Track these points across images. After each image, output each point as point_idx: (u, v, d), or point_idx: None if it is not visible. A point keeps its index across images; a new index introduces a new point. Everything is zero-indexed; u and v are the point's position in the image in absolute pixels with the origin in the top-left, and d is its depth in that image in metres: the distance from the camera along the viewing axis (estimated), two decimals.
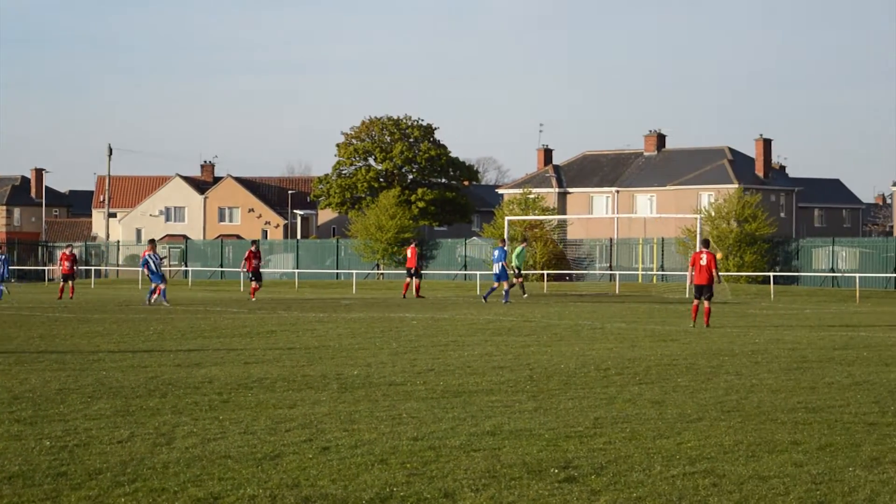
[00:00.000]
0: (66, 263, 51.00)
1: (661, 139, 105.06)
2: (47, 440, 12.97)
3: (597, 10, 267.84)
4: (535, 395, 17.07)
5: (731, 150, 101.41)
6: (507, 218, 65.71)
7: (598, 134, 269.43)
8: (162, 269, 45.22)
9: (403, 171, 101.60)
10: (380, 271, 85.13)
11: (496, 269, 47.73)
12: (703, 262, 32.24)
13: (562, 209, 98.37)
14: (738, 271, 70.62)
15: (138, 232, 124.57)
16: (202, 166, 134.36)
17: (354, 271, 74.78)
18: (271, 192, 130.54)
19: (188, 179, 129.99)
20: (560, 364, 21.39)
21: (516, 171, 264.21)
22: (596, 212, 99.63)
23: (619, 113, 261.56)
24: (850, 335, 29.10)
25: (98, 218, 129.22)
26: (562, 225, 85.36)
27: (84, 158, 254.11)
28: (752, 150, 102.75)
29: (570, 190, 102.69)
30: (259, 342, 26.25)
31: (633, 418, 14.76)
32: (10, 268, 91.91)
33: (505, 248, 48.88)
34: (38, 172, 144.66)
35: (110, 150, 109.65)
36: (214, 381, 18.42)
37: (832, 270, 72.42)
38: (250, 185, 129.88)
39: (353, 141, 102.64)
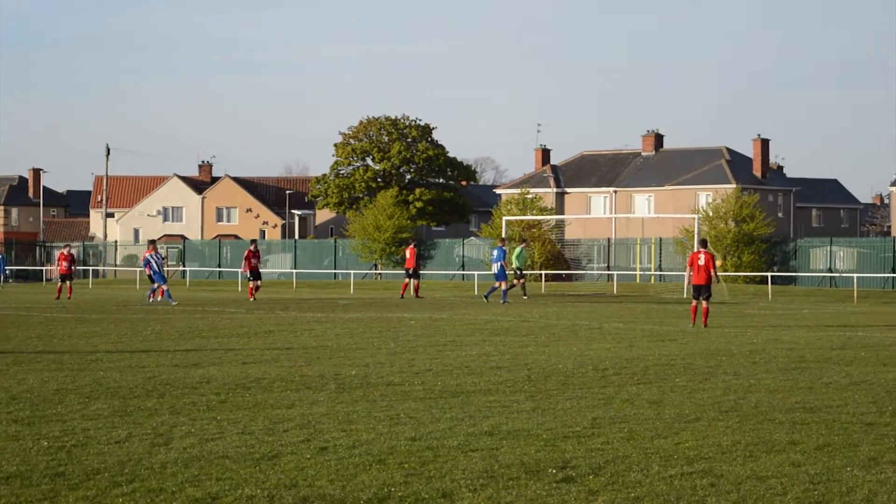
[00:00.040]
0: (64, 263, 50.98)
1: (658, 139, 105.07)
2: (45, 440, 12.97)
3: (594, 11, 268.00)
4: (533, 395, 17.08)
5: (728, 150, 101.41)
6: (504, 218, 65.72)
7: (595, 134, 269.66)
8: (164, 269, 45.24)
9: (401, 171, 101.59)
10: (378, 271, 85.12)
11: (495, 268, 47.79)
12: (702, 262, 32.25)
13: (560, 209, 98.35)
14: (735, 271, 70.62)
15: (136, 232, 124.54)
16: (200, 166, 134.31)
17: (352, 271, 74.76)
18: (269, 192, 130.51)
19: (186, 179, 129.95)
20: (558, 364, 21.39)
21: (514, 171, 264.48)
22: (594, 212, 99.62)
23: (617, 113, 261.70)
24: (847, 335, 29.11)
25: (96, 218, 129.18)
26: (560, 225, 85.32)
27: (82, 158, 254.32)
28: (749, 150, 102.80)
29: (567, 190, 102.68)
30: (257, 342, 26.25)
31: (631, 418, 14.77)
32: (9, 268, 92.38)
33: (504, 247, 48.93)
34: (36, 172, 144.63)
35: (108, 150, 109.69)
36: (212, 381, 18.41)
37: (830, 270, 72.43)
38: (248, 185, 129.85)
39: (351, 141, 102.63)
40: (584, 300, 50.49)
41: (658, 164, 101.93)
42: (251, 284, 48.68)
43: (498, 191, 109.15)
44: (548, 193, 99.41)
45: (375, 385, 18.11)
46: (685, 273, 46.03)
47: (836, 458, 12.21)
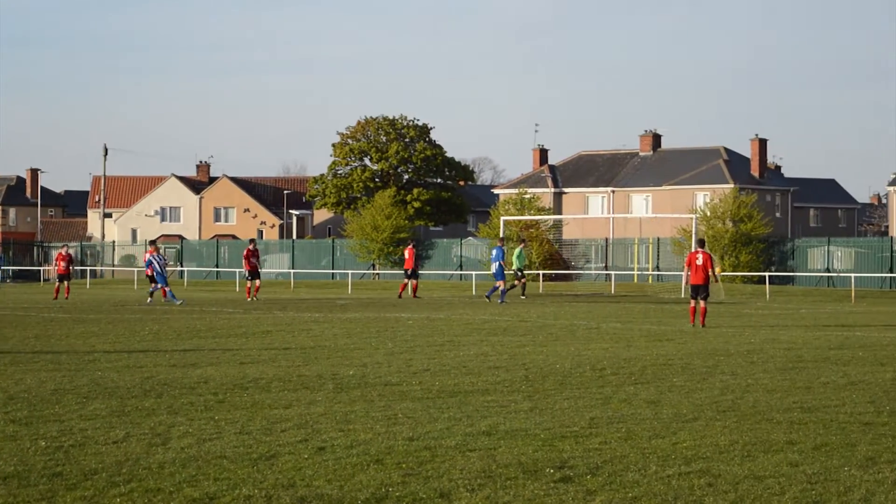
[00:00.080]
0: (62, 264, 50.96)
1: (656, 139, 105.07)
2: (43, 440, 12.96)
3: (592, 11, 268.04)
4: (531, 395, 17.08)
5: (726, 150, 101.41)
6: (502, 218, 65.78)
7: (593, 134, 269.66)
8: (167, 269, 45.26)
9: (399, 171, 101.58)
10: (375, 271, 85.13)
11: (494, 268, 47.86)
12: (699, 262, 32.27)
13: (557, 209, 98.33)
14: (733, 271, 70.64)
15: (134, 232, 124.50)
16: (198, 166, 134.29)
17: (350, 271, 74.77)
18: (267, 192, 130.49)
19: (184, 179, 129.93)
20: (556, 364, 21.39)
21: (512, 171, 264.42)
22: (591, 212, 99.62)
23: (615, 113, 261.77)
24: (845, 335, 29.12)
25: (93, 218, 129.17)
26: (557, 225, 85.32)
27: (79, 158, 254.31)
28: (747, 150, 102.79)
29: (565, 190, 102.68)
30: (255, 342, 26.25)
31: (629, 418, 14.77)
32: (6, 268, 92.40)
33: (502, 247, 49.02)
34: (34, 172, 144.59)
35: (106, 150, 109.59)
36: (210, 381, 18.41)
37: (828, 270, 72.47)
38: (246, 185, 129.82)
39: (349, 141, 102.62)
40: (582, 300, 50.50)
41: (656, 164, 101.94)
42: (248, 284, 48.64)
43: (496, 191, 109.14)
44: (545, 193, 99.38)
45: (373, 385, 18.11)
46: (683, 273, 46.06)
47: (834, 457, 12.21)
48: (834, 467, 11.71)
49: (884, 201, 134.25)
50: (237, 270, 74.00)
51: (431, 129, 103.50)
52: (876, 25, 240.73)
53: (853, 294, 56.09)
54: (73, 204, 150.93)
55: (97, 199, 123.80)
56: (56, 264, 52.27)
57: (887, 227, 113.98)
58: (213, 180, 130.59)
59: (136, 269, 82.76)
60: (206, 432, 13.56)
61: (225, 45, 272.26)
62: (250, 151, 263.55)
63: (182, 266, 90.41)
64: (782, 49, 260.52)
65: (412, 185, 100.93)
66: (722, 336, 28.37)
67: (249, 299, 47.08)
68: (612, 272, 70.91)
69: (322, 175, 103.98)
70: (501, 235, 57.56)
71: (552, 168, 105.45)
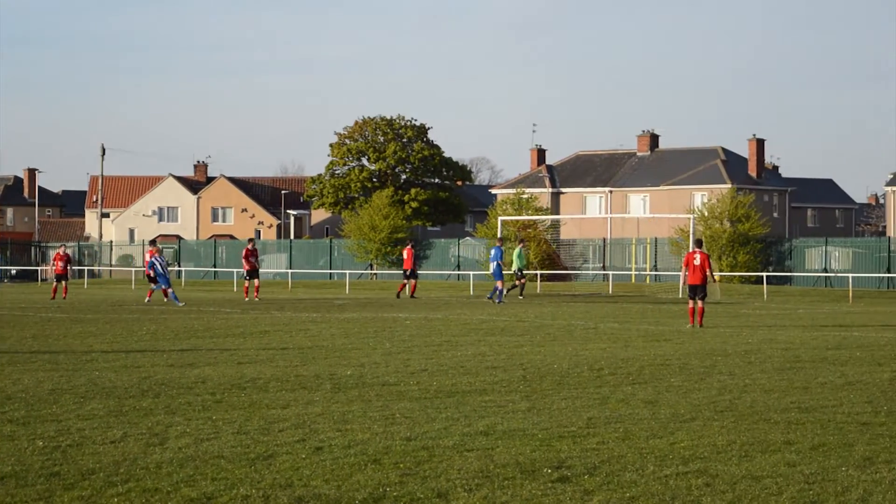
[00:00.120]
0: (60, 263, 50.92)
1: (654, 139, 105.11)
2: (40, 440, 12.96)
3: (590, 11, 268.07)
4: (529, 395, 17.08)
5: (724, 150, 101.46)
6: (500, 218, 65.78)
7: (591, 134, 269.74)
8: (169, 270, 45.28)
9: (397, 171, 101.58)
10: (373, 271, 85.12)
11: (492, 267, 47.94)
12: (697, 262, 32.29)
13: (555, 209, 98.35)
14: (731, 271, 70.65)
15: (131, 232, 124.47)
16: (195, 166, 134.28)
17: (348, 271, 74.75)
18: (264, 192, 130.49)
19: (181, 179, 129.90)
20: (553, 364, 21.39)
21: (509, 171, 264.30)
22: (589, 212, 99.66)
23: (613, 113, 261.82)
24: (842, 335, 29.13)
25: (91, 218, 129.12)
26: (555, 225, 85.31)
27: (77, 158, 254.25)
28: (745, 150, 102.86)
29: (563, 190, 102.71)
30: (252, 342, 26.25)
31: (627, 418, 14.77)
32: (5, 268, 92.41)
33: (501, 247, 49.13)
34: (31, 172, 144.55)
35: (103, 150, 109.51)
36: (207, 381, 18.41)
37: (825, 270, 72.48)
38: (243, 185, 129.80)
39: (347, 141, 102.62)
40: (580, 300, 50.51)
41: (653, 164, 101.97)
42: (247, 284, 48.62)
43: (493, 191, 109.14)
44: (543, 193, 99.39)
45: (371, 385, 18.11)
46: (680, 273, 46.06)
47: (832, 457, 12.21)
48: (831, 467, 11.71)
49: (881, 201, 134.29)
50: (235, 270, 73.95)
51: (429, 129, 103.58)
52: (874, 26, 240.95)
53: (850, 294, 56.09)
54: (71, 204, 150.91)
55: (95, 199, 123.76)
56: (54, 264, 52.22)
57: (885, 227, 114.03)
58: (210, 180, 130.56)
59: (133, 269, 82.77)
60: (203, 432, 13.55)
61: (222, 46, 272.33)
62: (248, 151, 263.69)
63: (180, 266, 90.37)
64: (780, 49, 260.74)
65: (410, 186, 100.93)
66: (719, 336, 28.37)
67: (247, 299, 47.05)
68: (610, 272, 70.87)
69: (320, 175, 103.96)
70: (500, 235, 57.59)
71: (550, 168, 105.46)
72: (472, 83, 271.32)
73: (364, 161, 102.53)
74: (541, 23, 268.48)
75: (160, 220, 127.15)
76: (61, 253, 51.85)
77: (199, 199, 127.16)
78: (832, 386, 18.27)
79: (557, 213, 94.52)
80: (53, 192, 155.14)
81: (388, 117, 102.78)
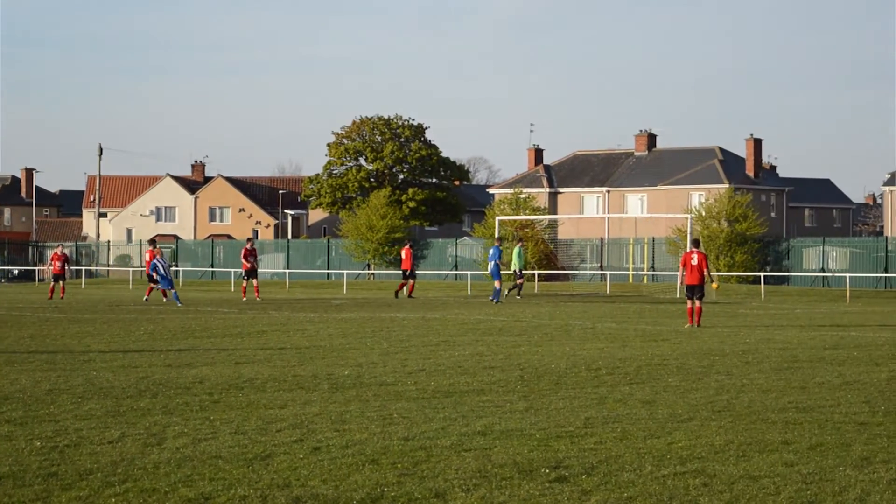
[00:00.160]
0: (58, 263, 50.88)
1: (651, 139, 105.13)
2: (38, 441, 12.95)
3: (587, 11, 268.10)
4: (526, 395, 17.08)
5: (721, 149, 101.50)
6: (497, 218, 65.75)
7: (588, 134, 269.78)
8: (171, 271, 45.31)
9: (394, 170, 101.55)
10: (371, 271, 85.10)
11: (490, 266, 48.00)
12: (695, 262, 32.29)
13: (553, 209, 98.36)
14: (728, 271, 70.66)
15: (129, 232, 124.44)
16: (193, 166, 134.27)
17: (345, 271, 74.70)
18: (262, 192, 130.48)
19: (179, 179, 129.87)
20: (551, 364, 21.39)
21: (507, 170, 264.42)
22: (587, 212, 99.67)
23: (610, 113, 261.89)
24: (840, 335, 29.14)
25: (88, 218, 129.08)
26: (552, 225, 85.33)
27: (74, 158, 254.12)
28: (742, 149, 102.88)
29: (560, 190, 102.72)
30: (250, 342, 26.24)
31: (624, 418, 14.77)
32: (2, 268, 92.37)
33: (500, 247, 49.19)
34: (29, 172, 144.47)
35: (101, 150, 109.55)
36: (205, 381, 18.40)
37: (822, 270, 72.49)
38: (241, 184, 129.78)
39: (344, 141, 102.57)
40: (577, 300, 50.51)
41: (651, 164, 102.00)
42: (244, 283, 48.60)
43: (491, 190, 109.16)
44: (541, 193, 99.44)
45: (368, 385, 18.10)
46: (678, 273, 46.04)
47: (829, 457, 12.22)
48: (829, 467, 11.71)
49: (879, 201, 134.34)
50: (232, 270, 73.93)
51: (426, 128, 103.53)
52: (872, 26, 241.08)
53: (848, 294, 56.11)
54: (69, 204, 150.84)
55: (92, 199, 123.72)
56: (51, 264, 52.18)
57: (882, 227, 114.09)
58: (208, 180, 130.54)
59: (131, 269, 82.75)
60: (201, 432, 13.55)
61: (219, 46, 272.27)
62: (245, 151, 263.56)
63: (177, 266, 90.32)
64: (777, 50, 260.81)
65: (407, 185, 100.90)
66: (717, 336, 28.38)
67: (245, 299, 47.02)
68: (608, 272, 70.90)
69: (317, 175, 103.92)
70: (498, 235, 57.61)
71: (547, 168, 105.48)
72: (469, 83, 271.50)
73: (362, 161, 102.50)
74: (538, 23, 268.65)
75: (158, 219, 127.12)
76: (59, 253, 51.80)
77: (196, 198, 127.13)
78: (830, 386, 18.27)
79: (555, 213, 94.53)
80: (51, 192, 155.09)
81: (386, 117, 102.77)
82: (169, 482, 10.89)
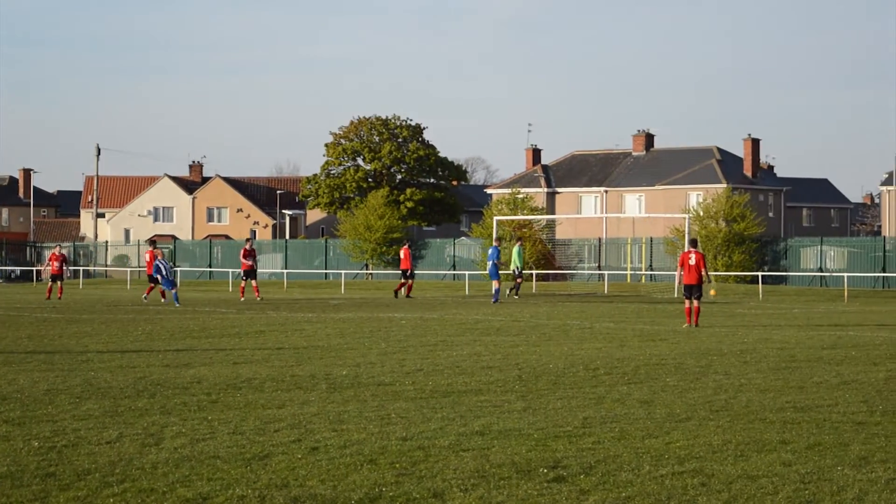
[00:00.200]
0: (56, 264, 50.85)
1: (649, 139, 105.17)
2: (36, 441, 12.95)
3: (585, 11, 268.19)
4: (524, 394, 17.08)
5: (719, 149, 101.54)
6: (495, 218, 65.74)
7: (586, 134, 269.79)
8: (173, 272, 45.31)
9: (392, 171, 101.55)
10: (368, 271, 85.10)
11: (488, 266, 48.05)
12: (692, 261, 32.30)
13: (550, 209, 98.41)
14: (726, 271, 70.69)
15: (126, 232, 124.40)
16: (190, 166, 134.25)
17: (343, 271, 74.71)
18: (260, 192, 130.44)
19: (176, 179, 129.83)
20: (549, 364, 21.39)
21: (505, 170, 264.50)
22: (584, 212, 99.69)
23: (608, 113, 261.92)
24: (838, 334, 29.15)
25: (86, 218, 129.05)
26: (550, 225, 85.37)
27: (72, 158, 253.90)
28: (740, 149, 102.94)
29: (558, 190, 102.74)
30: (248, 342, 26.24)
31: (622, 418, 14.77)
32: (3, 268, 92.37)
33: (499, 247, 49.27)
34: (26, 172, 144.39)
35: (98, 150, 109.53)
36: (203, 381, 18.40)
37: (820, 270, 72.52)
38: (239, 185, 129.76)
39: (342, 141, 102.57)
40: (575, 300, 50.50)
41: (649, 164, 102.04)
42: (243, 284, 48.59)
43: (489, 191, 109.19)
44: (539, 193, 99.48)
45: (366, 385, 18.11)
46: (676, 273, 46.05)
47: (827, 457, 12.22)
48: (827, 467, 11.72)
49: (876, 201, 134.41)
50: (230, 270, 73.98)
51: (424, 129, 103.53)
52: (871, 26, 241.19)
53: (846, 293, 56.14)
54: (66, 204, 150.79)
55: (90, 200, 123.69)
56: (49, 264, 52.14)
57: (880, 226, 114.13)
58: (205, 180, 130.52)
59: (129, 269, 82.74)
60: (199, 432, 13.55)
61: (217, 46, 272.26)
62: (243, 151, 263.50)
63: (175, 266, 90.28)
64: (775, 49, 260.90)
65: (405, 185, 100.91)
66: (715, 336, 28.39)
67: (243, 299, 47.00)
68: (606, 272, 70.91)
69: (315, 175, 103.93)
70: (496, 236, 57.63)
71: (545, 168, 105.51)
72: (467, 83, 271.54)
73: (359, 161, 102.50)
74: (536, 23, 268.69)
75: (155, 220, 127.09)
76: (57, 253, 51.77)
77: (194, 199, 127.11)
78: (828, 385, 18.28)
79: (553, 213, 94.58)
80: (49, 193, 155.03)
81: (384, 117, 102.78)
82: (167, 482, 10.89)
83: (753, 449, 12.61)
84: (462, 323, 32.87)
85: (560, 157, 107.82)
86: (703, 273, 32.30)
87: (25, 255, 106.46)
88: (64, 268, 51.91)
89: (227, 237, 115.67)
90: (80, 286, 71.73)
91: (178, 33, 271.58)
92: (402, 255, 52.01)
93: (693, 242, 34.14)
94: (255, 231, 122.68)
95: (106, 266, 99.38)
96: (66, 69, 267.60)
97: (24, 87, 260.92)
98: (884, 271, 68.91)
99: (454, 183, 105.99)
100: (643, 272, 76.70)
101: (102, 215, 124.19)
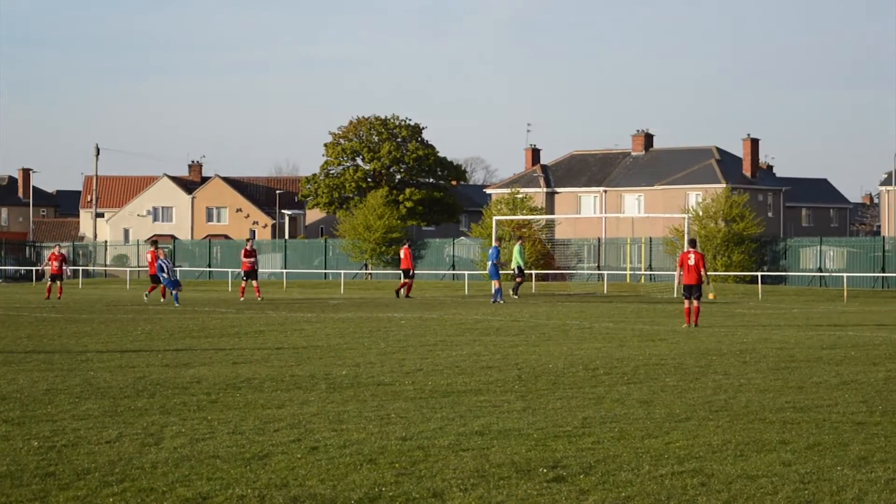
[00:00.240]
0: (55, 263, 50.84)
1: (648, 139, 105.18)
2: (35, 440, 12.95)
3: (585, 11, 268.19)
4: (524, 394, 17.08)
5: (718, 149, 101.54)
6: (494, 218, 65.70)
7: (585, 134, 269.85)
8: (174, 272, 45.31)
9: (391, 170, 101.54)
10: (368, 271, 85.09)
11: (488, 266, 48.09)
12: (692, 261, 32.30)
13: (550, 209, 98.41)
14: (725, 271, 70.69)
15: (126, 232, 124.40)
16: (190, 166, 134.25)
17: (342, 271, 74.71)
18: (259, 192, 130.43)
19: (176, 179, 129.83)
20: (548, 364, 21.39)
21: (504, 170, 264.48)
22: (584, 212, 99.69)
23: (607, 113, 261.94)
24: (837, 334, 29.15)
25: (86, 218, 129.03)
26: (550, 225, 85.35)
27: (71, 158, 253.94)
28: (739, 149, 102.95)
29: (557, 190, 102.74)
30: (247, 342, 26.23)
31: (622, 418, 14.77)
32: (4, 268, 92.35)
33: (499, 247, 49.31)
34: (26, 172, 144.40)
35: (97, 150, 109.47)
36: (203, 381, 18.40)
37: (820, 270, 72.53)
38: (238, 184, 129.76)
39: (341, 141, 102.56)
40: (575, 300, 50.49)
41: (648, 164, 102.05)
42: (243, 284, 48.58)
43: (488, 190, 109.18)
44: (538, 193, 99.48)
45: (366, 385, 18.10)
46: (675, 273, 46.03)
47: (827, 457, 12.22)
48: (826, 467, 11.72)
49: (875, 201, 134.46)
50: (230, 270, 73.95)
51: (423, 128, 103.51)
52: (871, 26, 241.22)
53: (845, 293, 56.14)
54: (66, 204, 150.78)
55: (89, 199, 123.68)
56: (49, 264, 52.13)
57: (879, 226, 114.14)
58: (205, 180, 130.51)
59: (128, 269, 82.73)
60: (198, 432, 13.55)
61: (216, 46, 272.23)
62: (242, 151, 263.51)
63: (174, 266, 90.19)
64: (774, 49, 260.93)
65: (404, 185, 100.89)
66: (714, 336, 28.38)
67: (242, 299, 46.99)
68: (605, 272, 70.90)
69: (314, 175, 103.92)
70: (496, 236, 57.66)
71: (544, 168, 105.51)
72: (467, 83, 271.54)
73: (359, 161, 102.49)
74: (535, 23, 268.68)
75: (155, 220, 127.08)
76: (56, 253, 51.76)
77: (193, 198, 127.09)
78: (827, 385, 18.28)
79: (552, 213, 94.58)
80: (48, 192, 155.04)
81: (383, 117, 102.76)
82: (166, 482, 10.89)
83: (753, 449, 12.61)
84: (461, 323, 32.86)
85: (559, 157, 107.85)
86: (703, 273, 32.29)
87: (25, 255, 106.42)
88: (64, 267, 51.89)
89: (226, 237, 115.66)
90: (80, 286, 71.71)
91: (178, 33, 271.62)
92: (402, 255, 52.01)
93: (692, 243, 34.15)
94: (254, 231, 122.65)
95: (105, 266, 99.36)
96: (66, 69, 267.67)
97: (24, 87, 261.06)
98: (883, 271, 68.92)
99: (453, 183, 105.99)
100: (642, 272, 76.69)
101: (102, 215, 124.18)
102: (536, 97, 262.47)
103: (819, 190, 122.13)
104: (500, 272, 48.06)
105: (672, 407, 15.75)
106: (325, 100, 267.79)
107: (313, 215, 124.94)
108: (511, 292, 49.86)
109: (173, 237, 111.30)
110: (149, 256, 47.17)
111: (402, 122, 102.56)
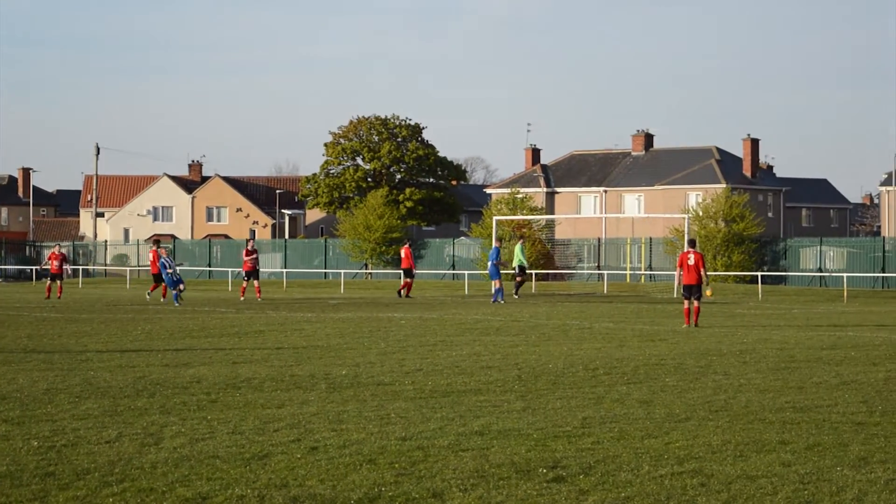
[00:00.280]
0: (55, 263, 50.84)
1: (648, 139, 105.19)
2: (35, 440, 12.95)
3: (584, 10, 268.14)
4: (524, 394, 17.08)
5: (718, 149, 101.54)
6: (494, 218, 65.70)
7: (585, 134, 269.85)
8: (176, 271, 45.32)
9: (391, 170, 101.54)
10: (368, 271, 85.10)
11: (488, 266, 48.12)
12: (691, 262, 32.29)
13: (550, 209, 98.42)
14: (725, 271, 70.69)
15: (126, 231, 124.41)
16: (190, 166, 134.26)
17: (342, 271, 74.72)
18: (259, 192, 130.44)
19: (176, 179, 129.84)
20: (548, 364, 21.39)
21: (504, 170, 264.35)
22: (584, 211, 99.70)
23: (607, 113, 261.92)
24: (837, 335, 29.14)
25: (86, 217, 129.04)
26: (550, 225, 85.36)
27: (71, 158, 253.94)
28: (739, 149, 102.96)
29: (557, 190, 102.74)
30: (247, 342, 26.23)
31: (622, 418, 14.77)
32: (4, 267, 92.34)
33: (499, 247, 49.32)
34: (26, 172, 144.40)
35: (98, 150, 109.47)
36: (203, 380, 18.40)
37: (820, 270, 72.52)
38: (238, 184, 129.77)
39: (341, 140, 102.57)
40: (575, 300, 50.49)
41: (648, 164, 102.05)
42: (244, 284, 48.58)
43: (488, 190, 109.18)
44: (538, 193, 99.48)
45: (366, 385, 18.10)
46: (675, 273, 46.02)
47: (827, 457, 12.22)
48: (826, 467, 11.72)
49: (876, 201, 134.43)
50: (230, 270, 73.98)
51: (423, 128, 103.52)
52: (869, 26, 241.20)
53: (845, 294, 56.13)
54: (66, 203, 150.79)
55: (89, 199, 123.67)
56: (49, 263, 52.14)
57: (879, 227, 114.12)
58: (205, 180, 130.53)
59: (128, 269, 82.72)
60: (198, 432, 13.55)
61: (216, 46, 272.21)
62: (243, 151, 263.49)
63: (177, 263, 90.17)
64: (774, 49, 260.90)
65: (404, 185, 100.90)
66: (714, 336, 28.38)
67: (242, 299, 46.99)
68: (605, 272, 70.90)
69: (314, 175, 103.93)
70: (496, 236, 57.67)
71: (544, 168, 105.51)
72: (466, 83, 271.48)
73: (359, 160, 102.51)
74: (535, 23, 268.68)
75: (155, 219, 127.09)
76: (56, 252, 51.77)
77: (193, 198, 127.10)
78: (827, 386, 18.28)
79: (552, 213, 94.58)
80: (48, 192, 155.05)
81: (383, 117, 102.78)
82: (166, 482, 10.89)
83: (753, 449, 12.61)
84: (461, 323, 32.86)
85: (559, 157, 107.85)
86: (703, 273, 32.28)
87: (25, 255, 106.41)
88: (64, 267, 51.89)
89: (226, 237, 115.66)
90: (80, 285, 71.72)
91: (178, 33, 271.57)
92: (402, 255, 52.02)
93: (692, 243, 34.15)
94: (254, 231, 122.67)
95: (105, 265, 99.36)
96: (66, 69, 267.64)
97: (24, 87, 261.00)
98: (883, 271, 68.92)
99: (453, 183, 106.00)
100: (642, 272, 76.69)
101: (102, 215, 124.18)
102: (536, 97, 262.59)
103: (819, 190, 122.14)
104: (500, 272, 48.05)
105: (672, 407, 15.75)
106: (325, 100, 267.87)
107: (313, 215, 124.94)
108: (513, 292, 49.87)
109: (173, 237, 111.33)
110: (151, 255, 47.23)
111: (402, 122, 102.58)
